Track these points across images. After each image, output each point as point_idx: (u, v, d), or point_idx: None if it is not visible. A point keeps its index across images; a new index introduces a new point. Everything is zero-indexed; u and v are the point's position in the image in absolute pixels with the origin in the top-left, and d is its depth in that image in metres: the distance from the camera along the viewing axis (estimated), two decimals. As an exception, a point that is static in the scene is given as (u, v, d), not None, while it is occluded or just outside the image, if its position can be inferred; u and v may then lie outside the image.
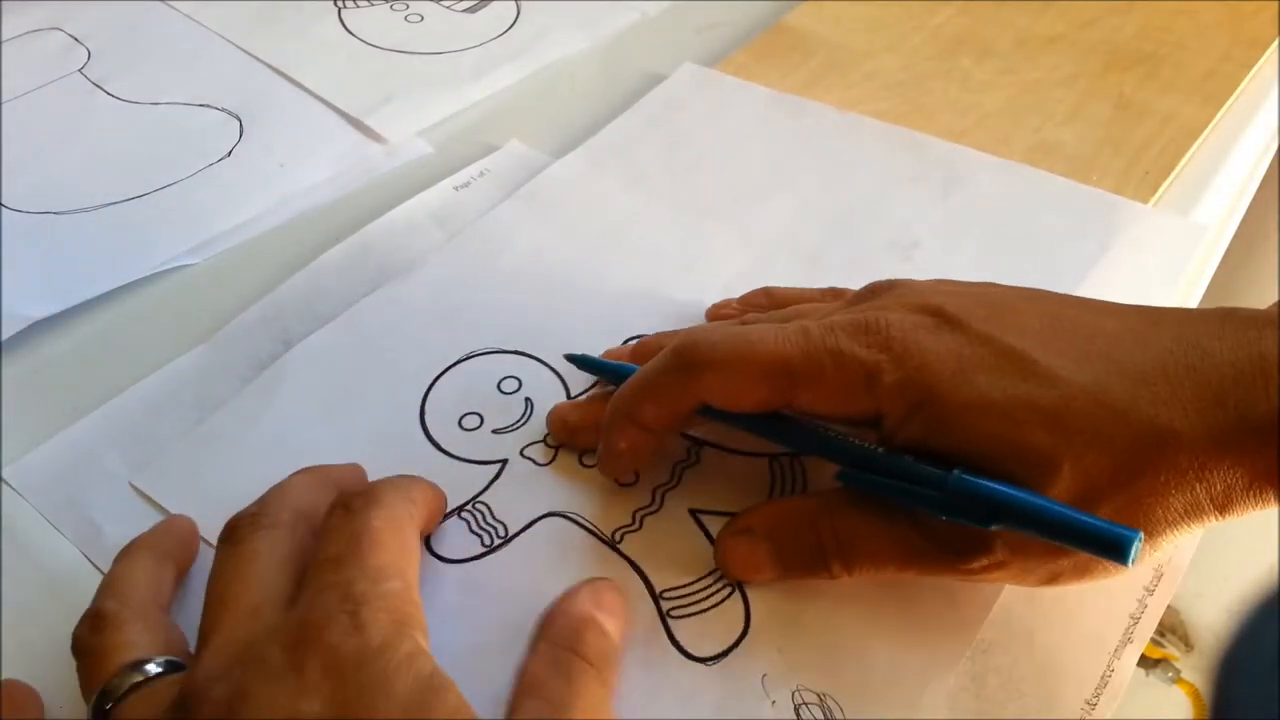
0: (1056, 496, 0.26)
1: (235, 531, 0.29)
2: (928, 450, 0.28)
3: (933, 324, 0.29)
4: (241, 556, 0.28)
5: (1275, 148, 0.52)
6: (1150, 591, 0.31)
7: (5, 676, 0.31)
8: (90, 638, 0.28)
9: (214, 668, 0.25)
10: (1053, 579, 0.28)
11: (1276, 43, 0.54)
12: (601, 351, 0.38)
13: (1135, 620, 0.31)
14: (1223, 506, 0.26)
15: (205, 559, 0.29)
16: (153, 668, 0.27)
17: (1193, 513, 0.26)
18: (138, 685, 0.27)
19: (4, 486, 0.36)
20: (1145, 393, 0.26)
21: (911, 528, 0.28)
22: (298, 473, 0.32)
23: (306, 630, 0.25)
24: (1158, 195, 0.45)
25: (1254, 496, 0.25)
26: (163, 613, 0.30)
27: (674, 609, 0.31)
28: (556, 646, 0.28)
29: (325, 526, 0.28)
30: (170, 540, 0.32)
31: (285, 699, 0.24)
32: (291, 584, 0.27)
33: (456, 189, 0.47)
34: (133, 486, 0.35)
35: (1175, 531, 0.26)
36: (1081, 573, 0.28)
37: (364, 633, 0.25)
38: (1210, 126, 0.49)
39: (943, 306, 0.29)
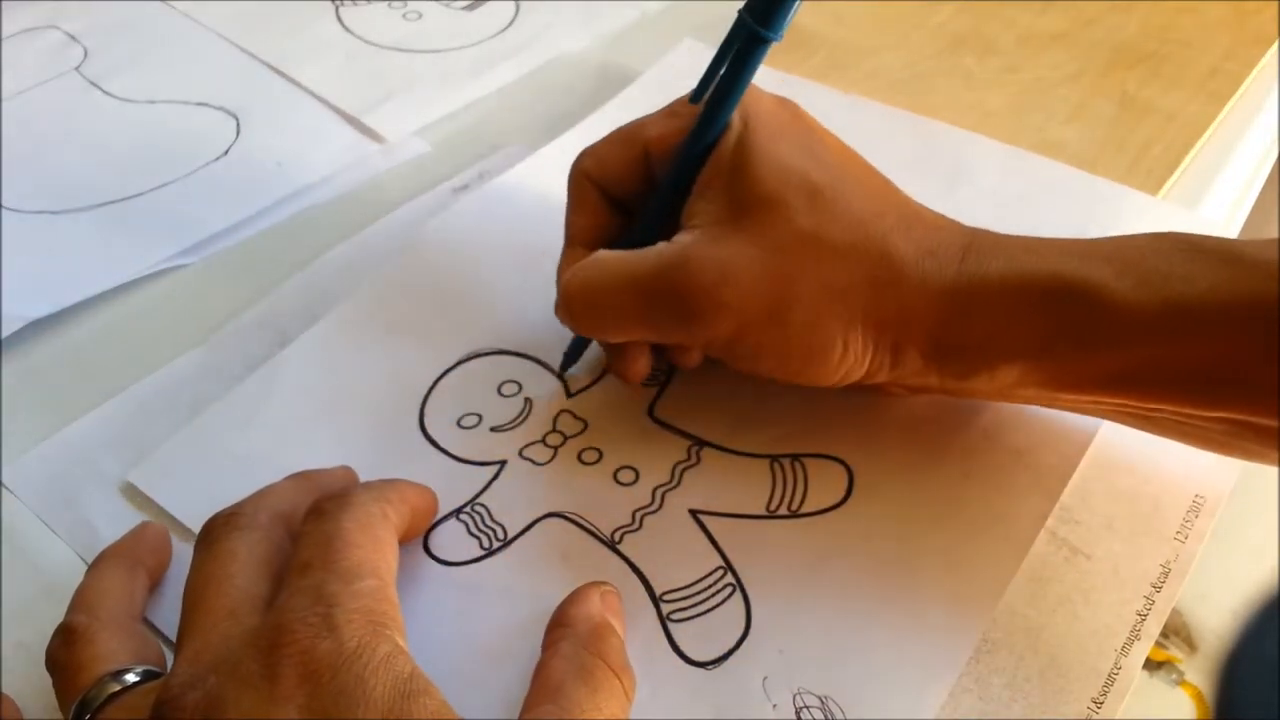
0: (789, 250, 0.30)
1: (211, 533, 0.29)
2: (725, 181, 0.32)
3: (779, 104, 0.34)
4: (217, 558, 0.28)
5: (1279, 146, 0.52)
6: (1158, 588, 0.31)
7: (1, 677, 0.31)
8: (62, 652, 0.28)
9: (189, 674, 0.25)
10: (756, 352, 0.31)
11: (1279, 40, 0.53)
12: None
13: (1142, 617, 0.30)
14: (897, 348, 0.30)
15: (183, 556, 0.29)
16: (131, 677, 0.27)
17: (878, 334, 0.30)
18: (115, 695, 0.27)
19: (0, 488, 0.36)
20: (893, 222, 0.31)
21: (646, 262, 0.31)
22: (285, 477, 0.32)
23: (279, 634, 0.24)
24: (1161, 194, 0.45)
25: (916, 342, 0.30)
26: (135, 622, 0.30)
27: (674, 612, 0.31)
28: (581, 650, 0.27)
29: (299, 533, 0.28)
30: (141, 548, 0.32)
31: (261, 706, 0.23)
32: (269, 586, 0.27)
33: (455, 191, 0.47)
34: (128, 484, 0.35)
35: (857, 338, 0.30)
36: (783, 358, 0.31)
37: (338, 635, 0.24)
38: (1214, 125, 0.48)
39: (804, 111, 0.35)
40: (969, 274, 0.30)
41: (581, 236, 0.36)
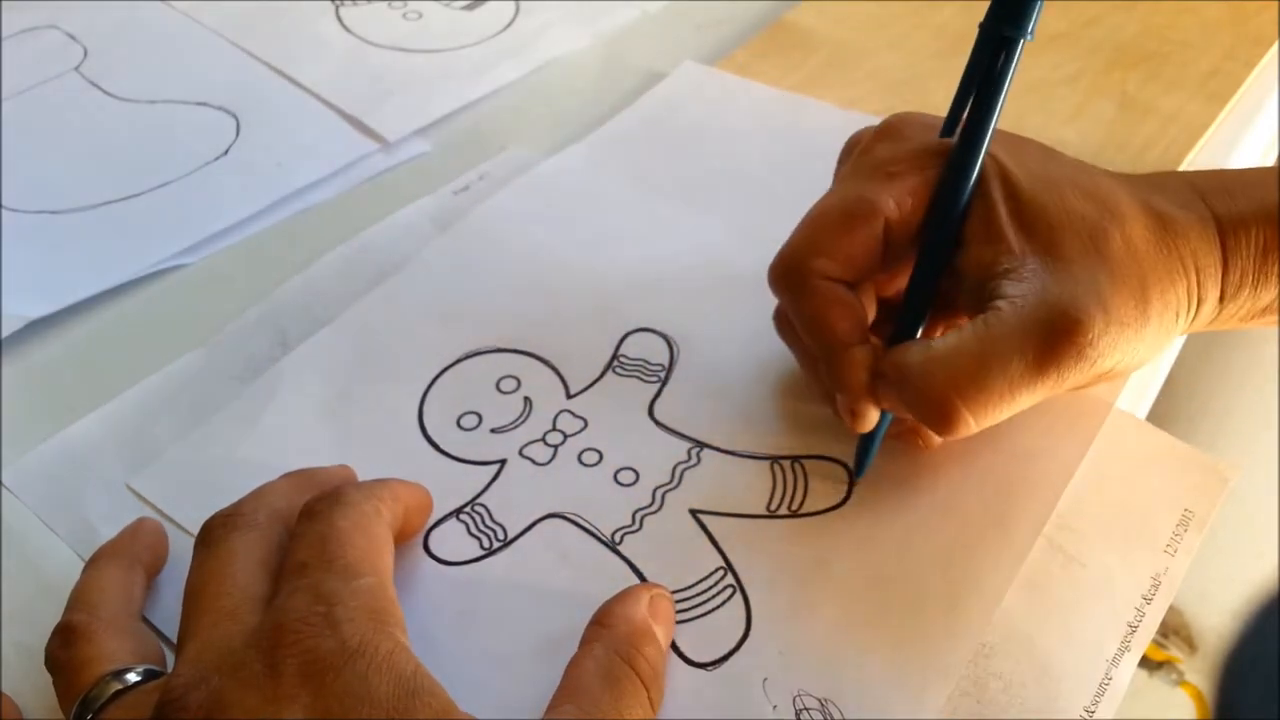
0: (1119, 256, 0.30)
1: (210, 533, 0.29)
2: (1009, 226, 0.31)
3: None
4: (217, 558, 0.28)
5: (1279, 146, 0.52)
6: (1148, 600, 0.31)
7: (2, 678, 0.31)
8: (62, 652, 0.28)
9: (192, 674, 0.25)
10: (1132, 360, 0.30)
11: (1279, 41, 0.53)
12: (599, 349, 0.38)
13: (1133, 629, 0.30)
14: (1200, 300, 0.31)
15: (186, 558, 0.29)
16: (132, 676, 0.27)
17: (1189, 293, 0.31)
18: (118, 694, 0.27)
19: (1, 488, 0.36)
20: (1138, 189, 0.32)
21: (1016, 329, 0.29)
22: (282, 476, 0.31)
23: (281, 634, 0.24)
24: (1161, 194, 0.45)
25: (1210, 289, 0.31)
26: (135, 620, 0.30)
27: (675, 614, 0.31)
28: (612, 653, 0.27)
29: (293, 534, 0.28)
30: (138, 545, 0.32)
31: (264, 706, 0.23)
32: (269, 585, 0.27)
33: (456, 193, 0.47)
34: (130, 489, 0.35)
35: (1182, 305, 0.31)
36: (1141, 358, 0.31)
37: (339, 633, 0.24)
38: (1214, 125, 0.48)
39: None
40: (1224, 216, 0.31)
41: (854, 336, 0.31)
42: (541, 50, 0.56)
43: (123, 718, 0.26)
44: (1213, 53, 0.52)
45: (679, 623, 0.31)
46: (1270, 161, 0.51)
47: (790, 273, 0.32)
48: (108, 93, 0.53)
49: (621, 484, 0.34)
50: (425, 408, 0.37)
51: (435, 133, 0.51)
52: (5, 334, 0.40)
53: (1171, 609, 0.31)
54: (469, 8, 0.59)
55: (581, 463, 0.35)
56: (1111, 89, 0.50)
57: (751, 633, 0.30)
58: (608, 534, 0.33)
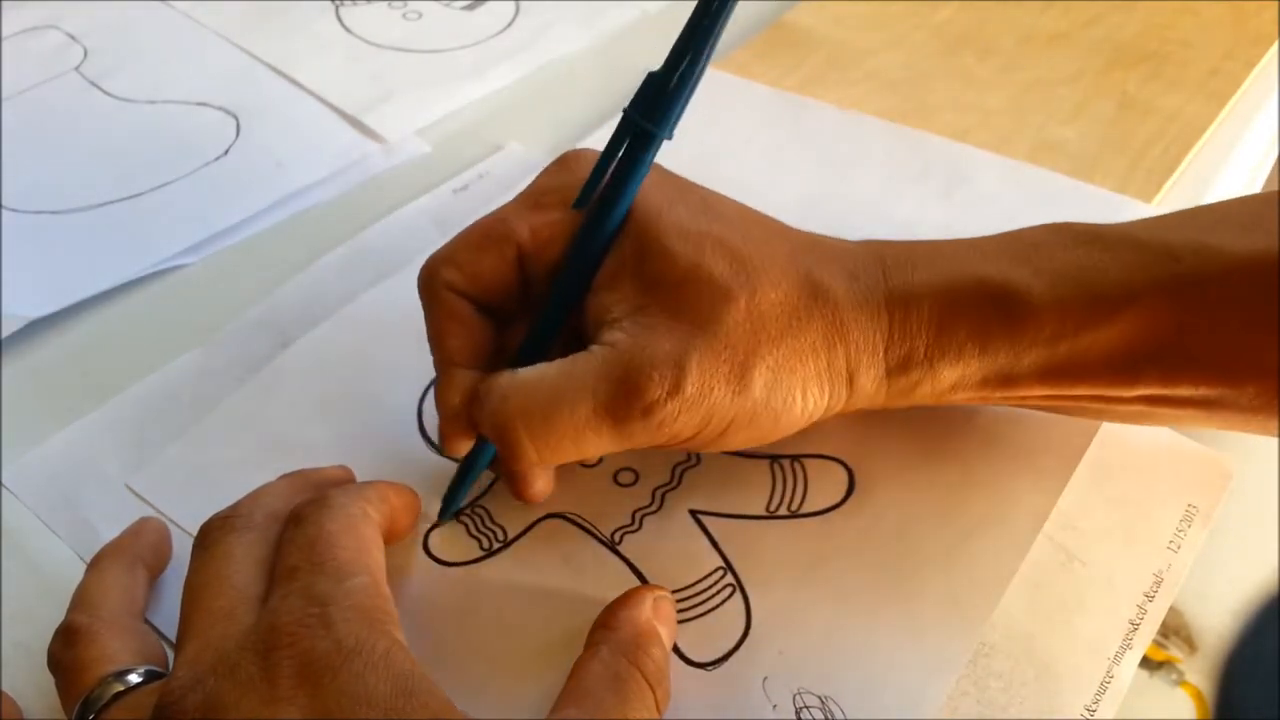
0: (733, 322, 0.29)
1: (207, 534, 0.28)
2: (635, 273, 0.31)
3: (654, 171, 0.32)
4: (214, 559, 0.28)
5: (1278, 146, 0.52)
6: (1150, 598, 0.31)
7: (2, 678, 0.31)
8: (64, 652, 0.28)
9: (189, 676, 0.25)
10: (724, 430, 0.30)
11: (1279, 40, 0.53)
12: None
13: (1135, 626, 0.30)
14: (851, 376, 0.30)
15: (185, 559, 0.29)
16: (134, 677, 0.27)
17: (831, 370, 0.30)
18: (119, 695, 0.27)
19: (1, 488, 0.36)
20: (807, 256, 0.31)
21: (592, 372, 0.29)
22: (279, 477, 0.31)
23: (276, 636, 0.24)
24: (1161, 194, 0.45)
25: (867, 365, 0.30)
26: (137, 621, 0.30)
27: (676, 615, 0.31)
28: (618, 655, 0.27)
29: (282, 539, 0.28)
30: (140, 545, 0.32)
31: (261, 707, 0.23)
32: (266, 586, 0.27)
33: (455, 192, 0.47)
34: (128, 489, 0.35)
35: (815, 382, 0.30)
36: (751, 428, 0.30)
37: (335, 633, 0.24)
38: (1214, 125, 0.48)
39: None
40: (898, 288, 0.30)
41: (461, 357, 0.32)
42: (541, 50, 0.56)
43: (124, 718, 0.26)
44: (1213, 53, 0.52)
45: (679, 623, 0.31)
46: (1270, 162, 0.51)
47: (424, 280, 0.32)
48: (108, 93, 0.53)
49: (621, 484, 0.34)
50: (425, 407, 0.37)
51: (435, 133, 0.51)
52: (5, 334, 0.40)
53: (1171, 609, 0.31)
54: (469, 8, 0.59)
55: (581, 463, 0.35)
56: (1111, 89, 0.51)
57: (751, 632, 0.30)
58: (607, 534, 0.33)
